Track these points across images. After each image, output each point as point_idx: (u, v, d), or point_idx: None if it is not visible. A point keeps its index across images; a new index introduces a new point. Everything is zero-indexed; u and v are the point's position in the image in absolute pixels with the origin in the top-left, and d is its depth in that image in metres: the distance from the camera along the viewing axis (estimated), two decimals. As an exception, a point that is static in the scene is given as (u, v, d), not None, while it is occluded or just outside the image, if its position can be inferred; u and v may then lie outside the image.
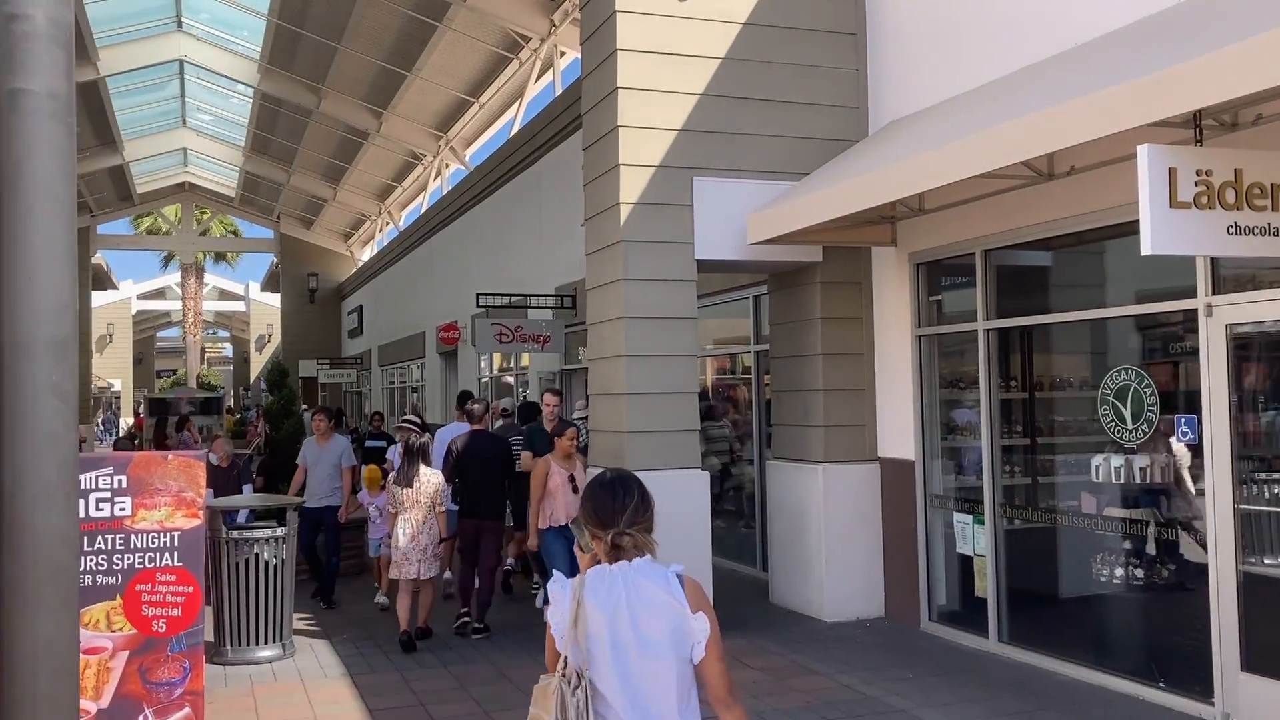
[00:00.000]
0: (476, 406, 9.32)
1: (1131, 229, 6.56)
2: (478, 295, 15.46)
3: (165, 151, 33.72)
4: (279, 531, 8.04)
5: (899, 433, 8.70)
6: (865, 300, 9.00)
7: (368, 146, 27.29)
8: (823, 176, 8.22)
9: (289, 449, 14.92)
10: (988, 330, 7.81)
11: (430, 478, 8.40)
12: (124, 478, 5.13)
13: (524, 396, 18.70)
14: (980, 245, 7.79)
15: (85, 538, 4.96)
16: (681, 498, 8.31)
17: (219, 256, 51.43)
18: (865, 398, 8.96)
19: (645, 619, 2.91)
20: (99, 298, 53.58)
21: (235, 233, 45.85)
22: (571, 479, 8.30)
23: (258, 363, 57.49)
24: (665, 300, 8.42)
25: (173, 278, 53.70)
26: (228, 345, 73.46)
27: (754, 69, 8.67)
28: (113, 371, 56.73)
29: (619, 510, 3.01)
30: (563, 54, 18.80)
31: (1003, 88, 7.26)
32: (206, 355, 75.83)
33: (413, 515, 8.28)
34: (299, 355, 38.45)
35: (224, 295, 62.19)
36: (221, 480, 11.15)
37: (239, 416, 36.34)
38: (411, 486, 8.32)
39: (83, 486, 4.94)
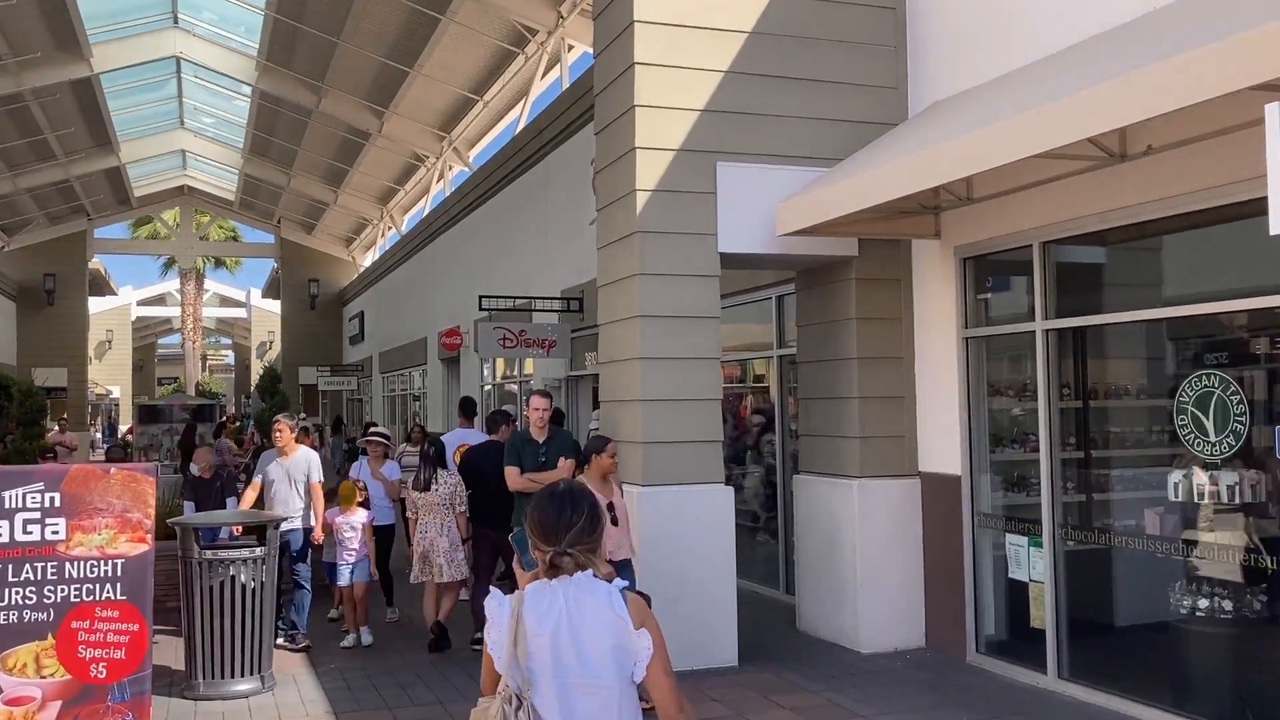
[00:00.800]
0: (497, 417, 9.27)
1: (1224, 214, 5.79)
2: (480, 298, 14.68)
3: (163, 153, 33.01)
4: (258, 551, 7.25)
5: (943, 445, 7.90)
6: (905, 299, 8.20)
7: (369, 148, 26.54)
8: (859, 161, 7.43)
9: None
10: (1047, 331, 7.01)
11: (447, 479, 8.46)
12: (56, 495, 4.35)
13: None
14: (1039, 236, 7.00)
15: (9, 566, 4.17)
16: (702, 516, 7.53)
17: (219, 262, 50.74)
18: (905, 406, 8.16)
19: (587, 636, 2.82)
20: (97, 303, 52.86)
21: (235, 237, 45.14)
22: (610, 507, 6.57)
23: (258, 370, 56.81)
24: (685, 297, 7.63)
25: (173, 284, 53.07)
26: (230, 353, 72.87)
27: (783, 44, 7.90)
28: (112, 378, 56.13)
29: (564, 527, 2.88)
30: (570, 47, 18.05)
31: (1065, 60, 6.47)
32: (209, 362, 75.37)
33: (432, 519, 8.34)
34: (300, 362, 37.76)
35: (225, 302, 61.64)
36: (204, 493, 10.35)
37: (238, 424, 35.61)
38: (429, 490, 8.38)
39: (6, 505, 4.15)
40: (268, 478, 8.64)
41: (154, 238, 43.97)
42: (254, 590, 7.18)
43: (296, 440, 8.98)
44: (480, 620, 7.93)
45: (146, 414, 20.30)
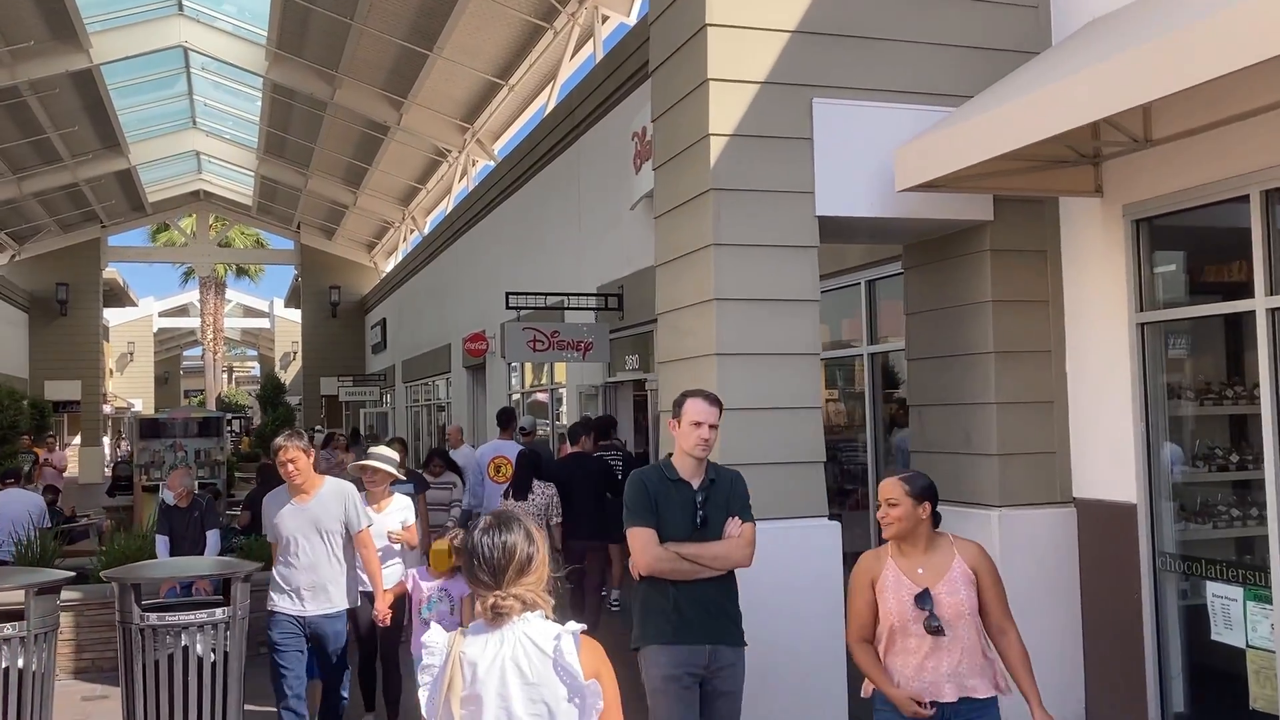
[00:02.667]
0: (577, 428, 9.42)
1: None
2: (507, 295, 12.96)
3: (175, 154, 31.61)
4: (220, 614, 5.52)
5: (1108, 463, 6.08)
6: (1053, 275, 6.38)
7: (388, 142, 24.98)
8: (997, 95, 5.63)
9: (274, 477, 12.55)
10: (1273, 311, 5.17)
11: (543, 489, 8.24)
12: None
13: (558, 416, 16.19)
14: (1260, 183, 5.17)
15: None
16: (802, 560, 5.73)
17: (242, 271, 49.36)
18: (1053, 414, 6.33)
19: (530, 688, 2.57)
20: (118, 315, 51.86)
21: (259, 243, 43.75)
22: None
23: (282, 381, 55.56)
24: (774, 275, 5.85)
25: (195, 294, 51.81)
26: (256, 364, 71.77)
27: (894, -51, 6.12)
28: (134, 391, 54.99)
29: (501, 566, 2.62)
30: (605, 18, 16.34)
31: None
32: (235, 374, 74.34)
33: None
34: (321, 372, 36.36)
35: (249, 312, 60.55)
36: (180, 524, 8.68)
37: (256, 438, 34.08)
38: (526, 499, 8.11)
39: None
40: (281, 533, 5.78)
41: (172, 245, 42.64)
42: (214, 665, 5.45)
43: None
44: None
45: (148, 428, 18.66)
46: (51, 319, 34.58)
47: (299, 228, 37.06)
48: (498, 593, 2.62)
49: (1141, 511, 5.89)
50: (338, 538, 5.80)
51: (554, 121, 15.97)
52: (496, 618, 2.62)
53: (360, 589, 6.18)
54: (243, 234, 43.35)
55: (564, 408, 15.98)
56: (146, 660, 5.33)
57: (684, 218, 6.09)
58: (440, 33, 18.34)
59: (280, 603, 5.76)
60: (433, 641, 2.70)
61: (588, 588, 8.67)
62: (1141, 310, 5.91)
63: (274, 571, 5.83)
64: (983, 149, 5.23)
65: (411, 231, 31.48)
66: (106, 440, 39.07)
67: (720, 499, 4.50)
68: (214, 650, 5.43)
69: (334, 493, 5.83)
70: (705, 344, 5.82)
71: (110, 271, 39.82)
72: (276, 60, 22.46)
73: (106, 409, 42.11)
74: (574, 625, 2.68)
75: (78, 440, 35.38)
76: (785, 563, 5.65)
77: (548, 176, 16.55)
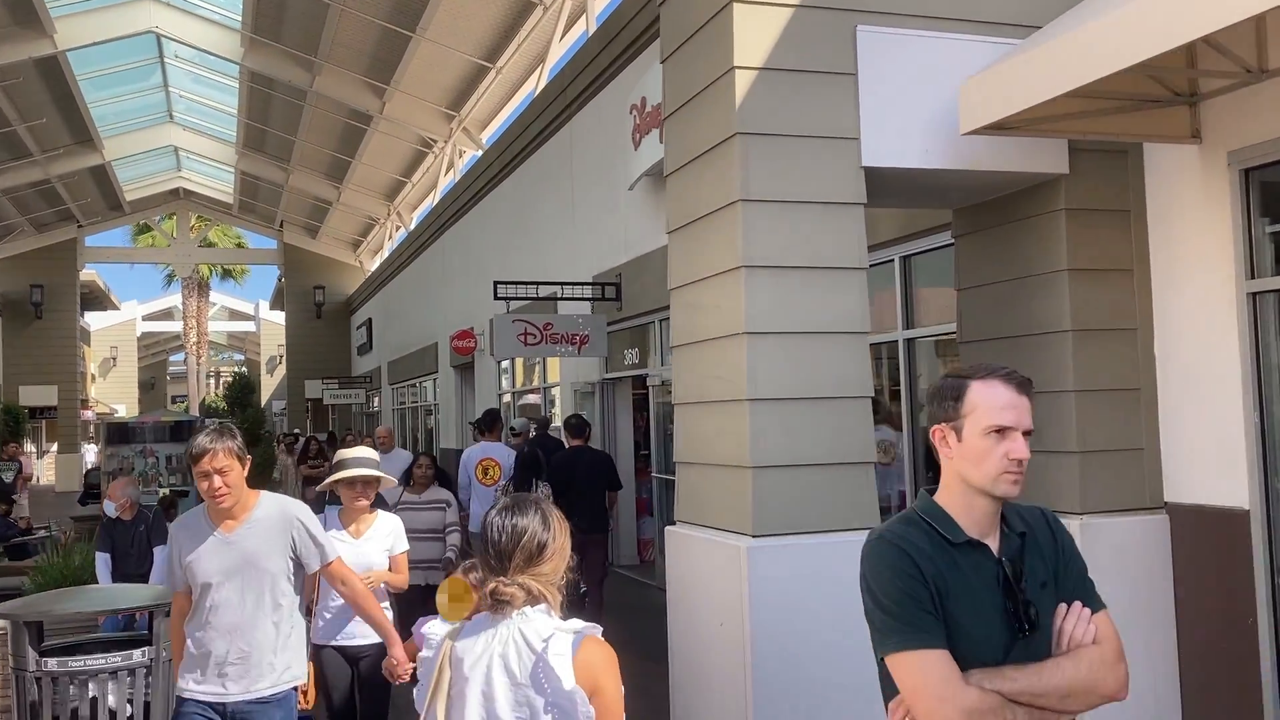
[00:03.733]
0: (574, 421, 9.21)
1: None
2: (495, 285, 11.95)
3: (152, 149, 30.50)
4: (139, 655, 4.50)
5: (1211, 461, 5.09)
6: (1137, 239, 5.39)
7: (371, 133, 23.91)
8: (1079, 17, 4.63)
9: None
10: None
11: (545, 488, 8.24)
12: None
13: (549, 415, 15.18)
14: None
15: None
16: (850, 584, 4.70)
17: (227, 272, 48.20)
18: (1141, 404, 5.34)
19: (518, 689, 2.35)
20: (100, 319, 50.77)
21: (240, 244, 42.64)
22: None
23: (269, 386, 54.54)
24: (814, 237, 4.85)
25: (179, 297, 50.69)
26: (244, 368, 70.76)
27: None
28: (118, 397, 53.99)
29: (507, 550, 2.40)
30: (598, -9, 15.34)
31: None
32: (222, 378, 73.22)
33: None
34: (306, 375, 35.31)
35: (235, 315, 59.61)
36: (123, 540, 7.65)
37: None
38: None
39: None
40: (196, 578, 3.89)
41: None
42: None
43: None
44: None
45: (115, 433, 17.60)
46: (26, 322, 33.43)
47: (282, 226, 35.97)
48: (501, 579, 2.41)
49: (1256, 519, 4.89)
50: (284, 582, 3.90)
51: (544, 102, 14.96)
52: (496, 606, 2.40)
53: (354, 641, 4.96)
54: (225, 234, 42.25)
55: (557, 408, 14.97)
56: (44, 715, 4.29)
57: (703, 172, 5.08)
58: (424, 12, 17.31)
59: (189, 684, 3.84)
60: (432, 633, 2.56)
61: (588, 582, 8.53)
62: (1253, 277, 4.92)
63: (188, 638, 3.89)
64: (1066, 78, 4.24)
65: (397, 228, 30.43)
66: (92, 447, 37.90)
67: (1041, 567, 2.40)
68: (130, 701, 4.41)
69: (275, 515, 3.92)
70: (731, 321, 4.82)
71: (89, 273, 38.69)
72: (253, 46, 21.41)
73: (88, 415, 40.99)
74: (579, 624, 2.42)
75: (55, 448, 34.25)
76: (830, 584, 4.65)
77: (538, 161, 15.54)
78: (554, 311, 13.04)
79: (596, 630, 2.44)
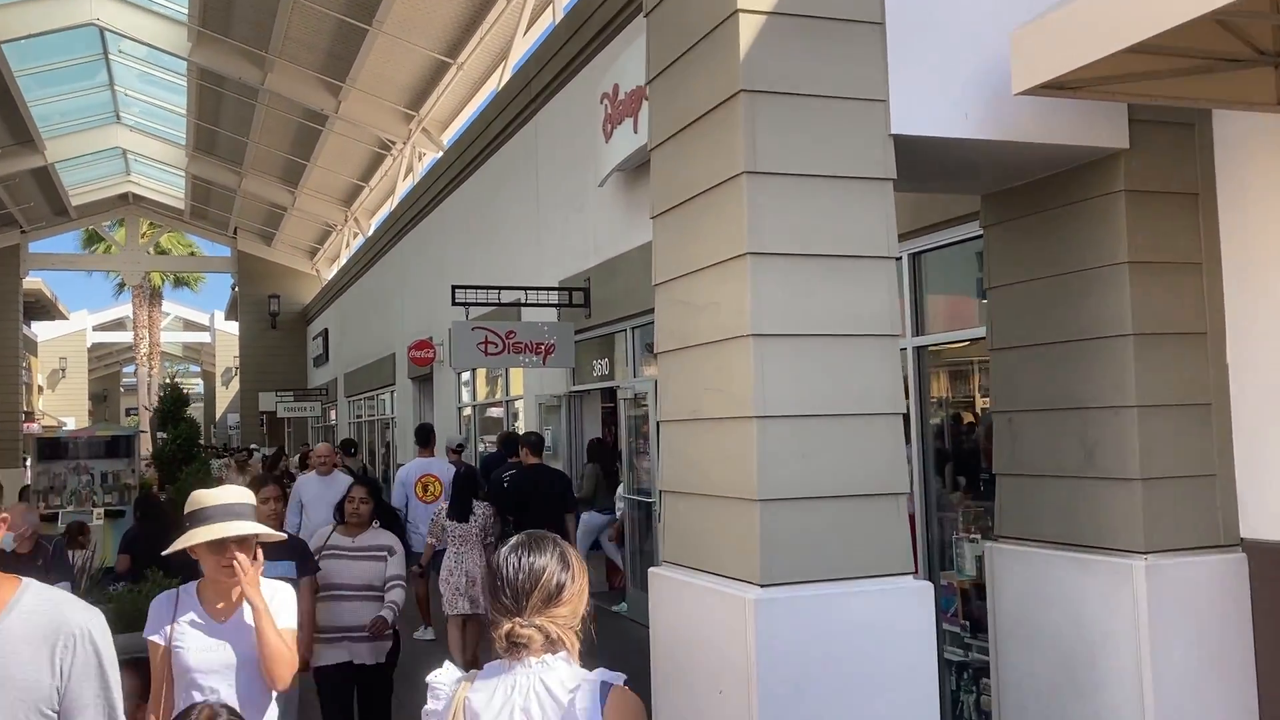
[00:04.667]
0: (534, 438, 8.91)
1: None
2: (453, 289, 11.03)
3: (97, 151, 29.26)
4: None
5: (1302, 492, 4.28)
6: (1207, 225, 4.57)
7: (327, 134, 22.91)
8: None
9: (178, 510, 10.50)
10: None
11: (484, 509, 8.04)
12: None
13: (514, 429, 14.25)
14: None
15: None
16: (880, 641, 3.84)
17: (180, 281, 46.78)
18: (1210, 422, 4.52)
19: None
20: (47, 329, 49.13)
21: (194, 251, 41.31)
22: None
23: (224, 398, 53.10)
24: (834, 219, 4.00)
25: (132, 307, 49.23)
26: (199, 381, 69.15)
27: None
28: (67, 410, 52.35)
29: (525, 590, 2.24)
30: (565, -20, 14.47)
31: None
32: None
33: (468, 549, 7.86)
34: (260, 387, 34.05)
35: (190, 326, 58.23)
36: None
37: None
38: (467, 521, 7.92)
39: None
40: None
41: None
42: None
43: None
44: None
45: (46, 448, 16.41)
46: (-38, 331, 32.02)
47: (236, 233, 34.76)
48: (518, 619, 2.23)
49: (1359, 561, 4.08)
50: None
51: (508, 96, 14.07)
52: (513, 649, 2.23)
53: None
54: (179, 242, 40.93)
55: (520, 423, 14.04)
56: None
57: (698, 141, 4.21)
58: (381, 4, 16.37)
59: None
60: (439, 683, 2.34)
61: None
62: (1353, 272, 4.12)
63: None
64: (1134, 28, 3.41)
65: (355, 235, 29.36)
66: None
67: None
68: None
69: (36, 623, 2.25)
70: (734, 321, 3.94)
71: (34, 281, 37.19)
72: (200, 41, 20.35)
73: (34, 428, 39.47)
74: (604, 674, 2.26)
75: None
76: (856, 644, 3.78)
77: (501, 160, 14.65)
78: (518, 319, 12.15)
79: (620, 679, 2.28)
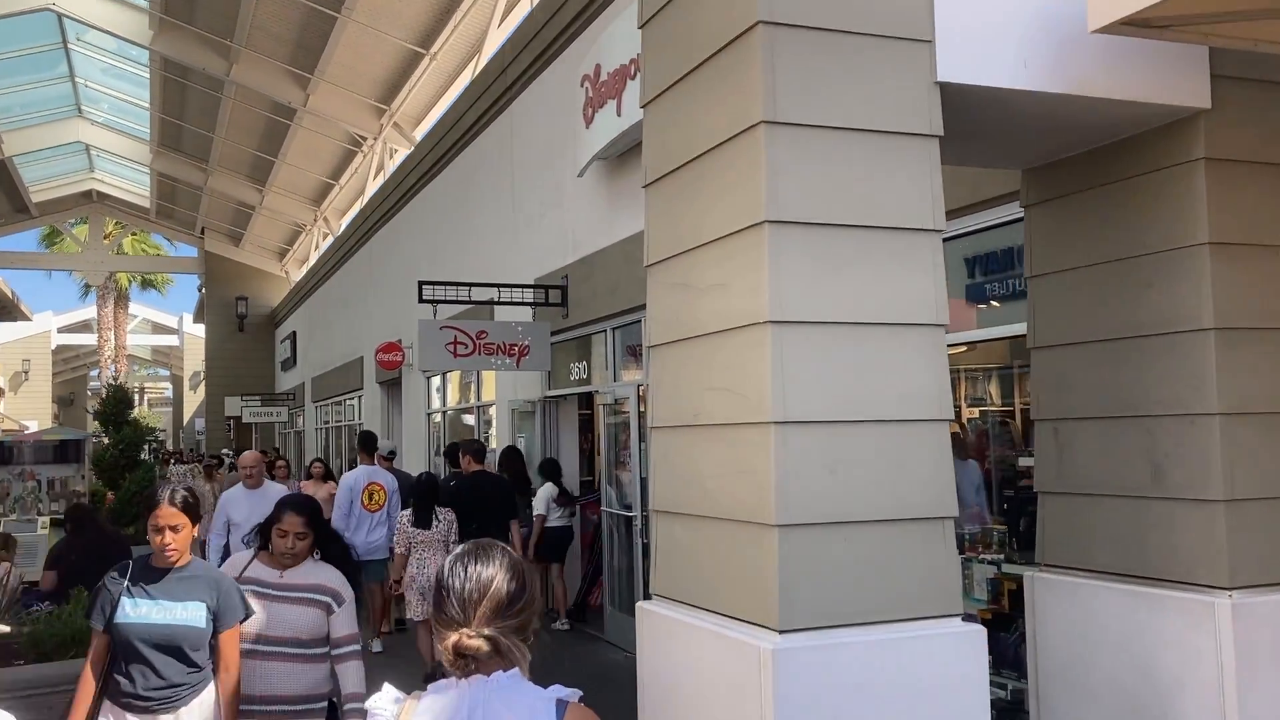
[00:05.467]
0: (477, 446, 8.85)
1: None
2: (420, 285, 10.26)
3: (58, 145, 28.33)
4: None
5: None
6: (1300, 204, 3.90)
7: (295, 129, 22.09)
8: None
9: (118, 521, 9.65)
10: None
11: (445, 515, 7.93)
12: None
13: (487, 438, 13.48)
14: None
15: None
16: (930, 690, 3.12)
17: (148, 282, 45.69)
18: (1303, 433, 3.83)
19: None
20: (9, 330, 47.94)
21: (160, 252, 40.29)
22: None
23: (193, 403, 51.99)
24: (869, 183, 3.29)
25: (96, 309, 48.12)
26: (169, 385, 68.02)
27: None
28: (30, 413, 51.14)
29: (473, 600, 2.08)
30: (543, -37, 13.74)
31: None
32: (147, 395, 70.26)
33: (431, 554, 7.69)
34: (227, 391, 33.11)
35: (158, 329, 57.09)
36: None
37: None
38: (430, 527, 7.80)
39: None
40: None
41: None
42: None
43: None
44: None
45: (-15, 453, 15.52)
46: (-85, 331, 30.96)
47: (203, 233, 33.81)
48: (465, 630, 2.05)
49: None
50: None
51: (483, 84, 13.33)
52: (459, 662, 2.05)
53: None
54: (144, 242, 39.91)
55: (493, 430, 13.28)
56: None
57: (703, 89, 3.48)
58: (350, -10, 15.64)
59: None
60: (378, 707, 2.17)
61: None
62: None
63: None
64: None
65: (325, 236, 28.50)
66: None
67: None
68: None
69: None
70: (746, 305, 3.21)
71: (-12, 277, 36.19)
72: (163, 29, 19.51)
73: (-7, 431, 38.33)
74: (561, 691, 2.10)
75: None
76: (893, 707, 3.06)
77: (475, 153, 13.90)
78: (491, 319, 11.40)
79: (575, 695, 2.13)
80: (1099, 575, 4.07)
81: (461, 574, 2.13)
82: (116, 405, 9.54)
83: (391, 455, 11.03)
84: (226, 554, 7.14)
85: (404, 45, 17.14)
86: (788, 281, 3.13)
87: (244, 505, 7.64)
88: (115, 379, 45.85)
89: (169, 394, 68.37)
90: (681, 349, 3.59)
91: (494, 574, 2.13)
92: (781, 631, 3.04)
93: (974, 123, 3.72)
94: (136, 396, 69.27)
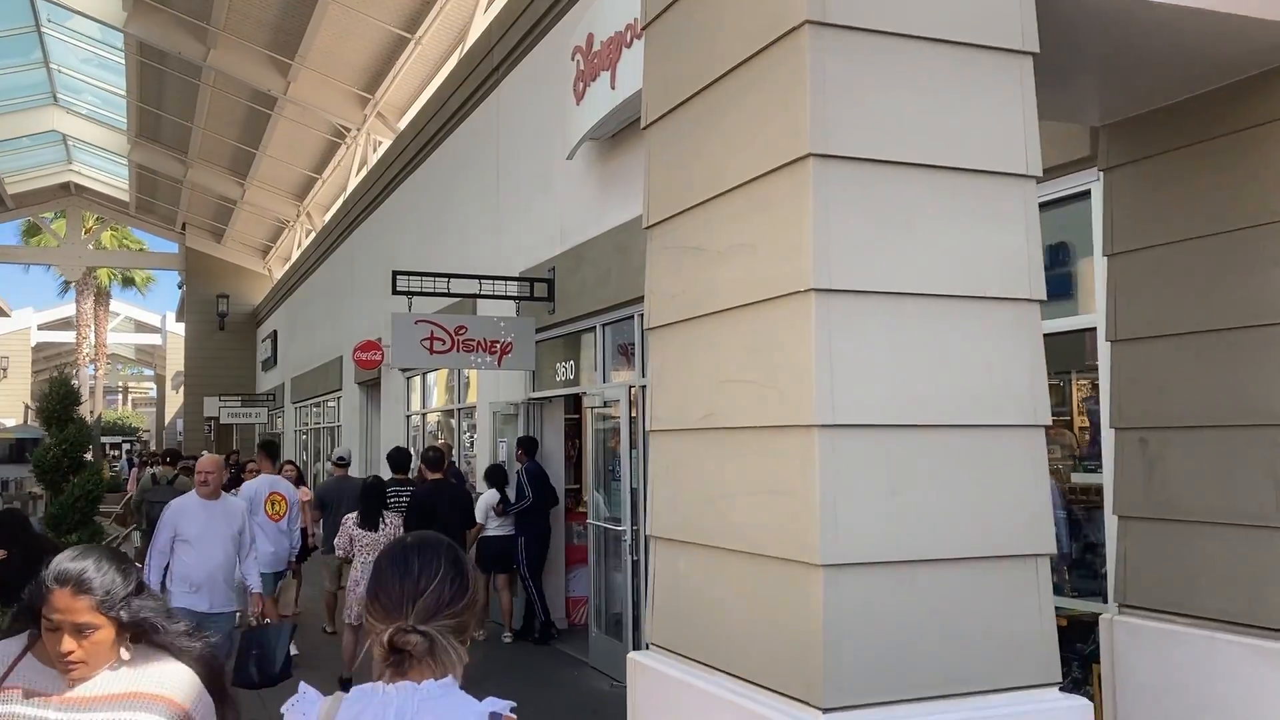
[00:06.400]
0: (432, 453, 8.74)
1: None
2: (394, 275, 9.45)
3: (33, 134, 27.43)
4: None
5: None
6: None
7: (277, 119, 21.24)
8: None
9: (58, 529, 8.81)
10: None
11: (394, 520, 7.83)
12: None
13: (471, 442, 12.66)
14: None
15: None
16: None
17: (129, 280, 44.77)
18: None
19: None
20: (-13, 326, 47.10)
21: (142, 248, 39.37)
22: None
23: (175, 403, 51.06)
24: (944, 110, 2.49)
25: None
26: (153, 385, 67.20)
27: None
28: (9, 410, 50.37)
29: (410, 593, 1.86)
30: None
31: None
32: (131, 395, 69.32)
33: (373, 559, 7.00)
34: (206, 391, 32.21)
35: (141, 327, 56.27)
36: None
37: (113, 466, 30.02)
38: (378, 530, 7.68)
39: None
40: None
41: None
42: None
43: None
44: None
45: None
46: (-116, 325, 30.03)
47: (184, 228, 32.91)
48: (400, 623, 1.82)
49: None
50: None
51: (468, 66, 12.54)
52: (392, 658, 1.82)
53: None
54: (124, 238, 38.98)
55: (477, 434, 12.45)
56: None
57: (722, -7, 2.68)
58: (332, -31, 14.85)
59: None
60: (298, 712, 1.92)
61: None
62: None
63: None
64: None
65: (308, 232, 27.67)
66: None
67: None
68: None
69: None
70: (781, 270, 2.41)
71: (-34, 274, 35.28)
72: (138, 11, 18.67)
73: (-34, 428, 37.47)
74: (495, 704, 1.89)
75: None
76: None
77: (459, 140, 13.10)
78: (472, 314, 10.60)
79: (507, 707, 1.90)
80: (1203, 622, 3.29)
81: (403, 564, 1.92)
82: (60, 401, 8.78)
83: (342, 462, 10.66)
84: (166, 581, 6.07)
85: (388, 29, 16.33)
86: (838, 237, 2.33)
87: (198, 519, 6.18)
88: (96, 378, 44.99)
89: (154, 394, 67.59)
90: (691, 331, 2.79)
91: (437, 567, 1.93)
92: (826, 710, 2.23)
93: (1066, 52, 2.93)
94: (120, 396, 68.28)
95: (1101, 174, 3.70)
